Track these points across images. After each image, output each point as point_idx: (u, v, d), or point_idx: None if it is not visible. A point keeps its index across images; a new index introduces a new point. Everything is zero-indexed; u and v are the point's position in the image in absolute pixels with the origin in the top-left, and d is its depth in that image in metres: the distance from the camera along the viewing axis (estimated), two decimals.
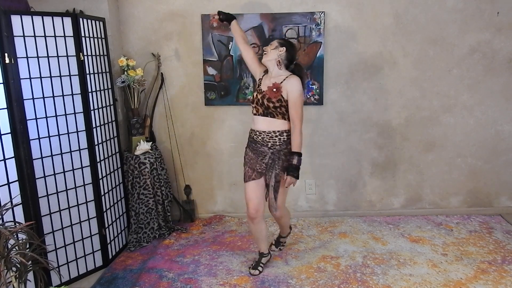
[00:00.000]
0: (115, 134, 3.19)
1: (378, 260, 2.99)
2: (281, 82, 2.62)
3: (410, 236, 3.35)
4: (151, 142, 3.51)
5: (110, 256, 3.07)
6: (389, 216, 3.74)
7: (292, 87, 2.59)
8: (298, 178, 2.65)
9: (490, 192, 3.73)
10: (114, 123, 3.17)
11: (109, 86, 3.11)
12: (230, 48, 3.48)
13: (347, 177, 3.74)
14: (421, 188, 3.74)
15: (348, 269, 2.87)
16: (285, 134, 2.67)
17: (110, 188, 3.08)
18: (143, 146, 3.35)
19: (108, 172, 3.05)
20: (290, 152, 2.65)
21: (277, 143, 2.66)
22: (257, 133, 2.70)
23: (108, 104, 3.08)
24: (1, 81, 2.33)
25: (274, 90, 2.60)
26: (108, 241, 3.04)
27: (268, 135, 2.66)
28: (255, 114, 2.71)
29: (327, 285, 2.71)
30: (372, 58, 3.51)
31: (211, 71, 3.53)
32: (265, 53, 2.69)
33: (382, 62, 3.51)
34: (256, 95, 2.71)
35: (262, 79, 2.78)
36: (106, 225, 3.01)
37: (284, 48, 2.66)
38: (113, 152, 3.16)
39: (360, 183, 3.74)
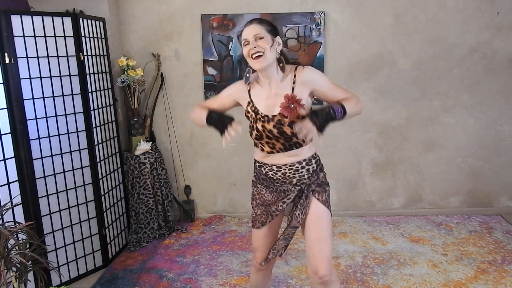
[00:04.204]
0: (115, 134, 3.19)
1: (378, 260, 2.99)
2: (292, 85, 1.82)
3: (410, 236, 3.35)
4: (151, 142, 3.51)
5: (110, 256, 3.07)
6: (389, 216, 3.74)
7: (310, 75, 1.82)
8: (320, 130, 1.69)
9: (490, 192, 3.73)
10: (114, 123, 3.17)
11: (109, 86, 3.11)
12: (230, 48, 3.48)
13: (347, 177, 3.74)
14: (421, 188, 3.74)
15: (348, 269, 2.87)
16: (313, 160, 1.91)
17: (110, 188, 3.08)
18: (143, 146, 3.35)
19: (108, 172, 3.05)
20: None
21: (305, 176, 1.89)
22: (274, 168, 1.89)
23: (108, 104, 3.08)
24: (1, 81, 2.33)
25: (293, 105, 1.75)
26: (108, 241, 3.04)
27: (291, 169, 1.87)
28: (268, 153, 1.88)
29: None
30: (372, 58, 3.51)
31: (211, 71, 3.53)
32: (259, 54, 1.77)
33: (382, 62, 3.51)
34: (263, 126, 1.82)
35: (250, 94, 1.89)
36: (106, 225, 3.01)
37: (279, 36, 1.84)
38: (113, 152, 3.16)
39: (360, 183, 3.74)
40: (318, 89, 1.83)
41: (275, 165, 1.88)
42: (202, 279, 2.83)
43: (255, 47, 1.77)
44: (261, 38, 1.78)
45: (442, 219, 3.65)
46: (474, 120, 3.59)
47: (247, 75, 1.89)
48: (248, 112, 1.91)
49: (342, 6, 3.41)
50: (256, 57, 1.78)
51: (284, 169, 1.87)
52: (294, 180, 1.89)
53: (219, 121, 1.88)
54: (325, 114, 1.71)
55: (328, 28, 3.45)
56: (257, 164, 1.98)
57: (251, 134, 1.91)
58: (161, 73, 3.54)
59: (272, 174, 1.91)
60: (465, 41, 3.45)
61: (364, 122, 3.61)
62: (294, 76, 1.83)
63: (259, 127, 1.84)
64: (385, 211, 3.78)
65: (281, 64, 1.83)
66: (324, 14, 3.40)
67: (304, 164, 1.88)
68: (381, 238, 3.34)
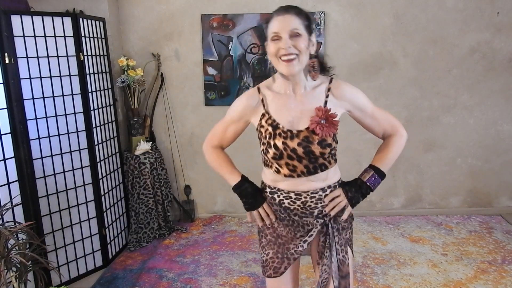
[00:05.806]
0: (115, 134, 3.19)
1: (378, 260, 2.99)
2: (325, 99, 1.50)
3: (410, 236, 3.35)
4: (151, 142, 3.51)
5: (110, 256, 3.07)
6: (389, 216, 3.74)
7: (350, 93, 1.52)
8: (352, 205, 1.58)
9: (490, 192, 3.73)
10: (114, 123, 3.17)
11: (109, 86, 3.11)
12: (230, 48, 3.48)
13: (347, 177, 3.70)
14: (421, 188, 3.74)
15: None
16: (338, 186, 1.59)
17: (110, 188, 3.08)
18: (143, 146, 3.35)
19: (108, 172, 3.05)
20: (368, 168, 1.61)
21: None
22: (291, 195, 1.52)
23: (108, 104, 3.08)
24: (1, 81, 2.33)
25: (325, 121, 1.45)
26: (108, 241, 3.04)
27: (314, 197, 1.52)
28: (286, 176, 1.50)
29: None
30: (372, 58, 3.51)
31: (211, 71, 3.53)
32: (292, 58, 1.40)
33: (382, 62, 3.51)
34: (284, 144, 1.45)
35: (265, 105, 1.52)
36: (106, 225, 3.01)
37: (314, 34, 1.46)
38: (113, 152, 3.16)
39: None
40: (355, 113, 1.55)
41: (293, 191, 1.50)
42: (202, 279, 2.83)
43: (289, 47, 1.38)
44: (298, 35, 1.38)
45: (442, 219, 3.65)
46: (474, 120, 3.59)
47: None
48: (263, 126, 1.50)
49: (342, 6, 3.41)
50: (287, 59, 1.40)
51: (305, 197, 1.50)
52: (316, 211, 1.53)
53: (251, 197, 1.57)
54: (358, 187, 1.56)
55: (328, 28, 3.45)
56: (268, 190, 1.57)
57: (265, 153, 1.51)
58: (161, 73, 3.54)
59: (288, 203, 1.52)
60: (465, 41, 3.45)
61: None
62: (329, 89, 1.50)
63: (279, 144, 1.45)
64: (385, 211, 3.77)
65: (313, 69, 1.47)
66: (324, 14, 3.40)
67: (329, 191, 1.53)
68: (381, 238, 3.34)
